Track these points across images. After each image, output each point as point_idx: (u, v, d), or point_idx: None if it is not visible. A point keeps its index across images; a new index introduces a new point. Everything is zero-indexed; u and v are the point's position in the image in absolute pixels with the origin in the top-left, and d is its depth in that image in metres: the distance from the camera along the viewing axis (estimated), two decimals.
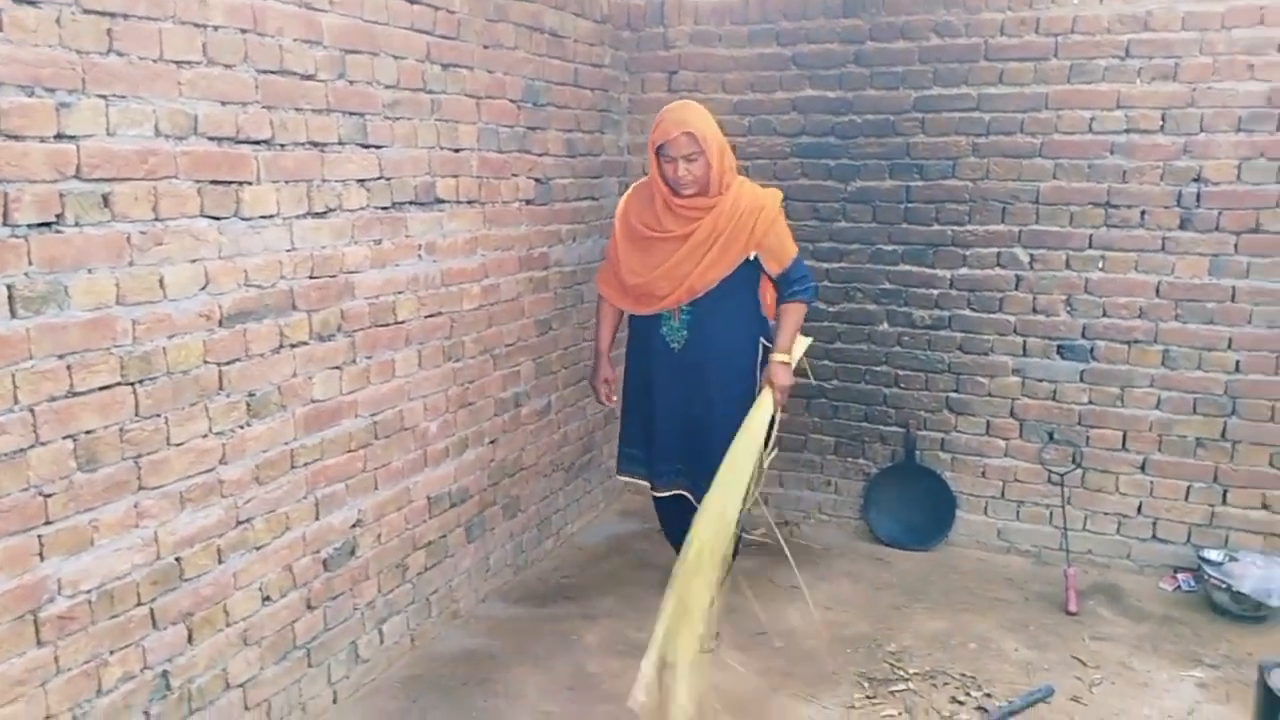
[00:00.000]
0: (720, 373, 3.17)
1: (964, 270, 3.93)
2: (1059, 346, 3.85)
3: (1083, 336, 3.81)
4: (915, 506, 4.10)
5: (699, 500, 3.17)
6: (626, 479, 3.45)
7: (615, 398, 3.43)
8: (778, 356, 3.13)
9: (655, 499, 3.40)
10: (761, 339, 3.22)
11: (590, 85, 4.02)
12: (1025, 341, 3.89)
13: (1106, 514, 3.87)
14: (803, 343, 3.26)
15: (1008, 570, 3.88)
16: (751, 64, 4.12)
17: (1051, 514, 3.92)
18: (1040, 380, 3.89)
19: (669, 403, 3.22)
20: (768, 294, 3.24)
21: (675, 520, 3.35)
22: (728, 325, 3.16)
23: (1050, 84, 3.70)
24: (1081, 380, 3.84)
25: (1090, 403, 3.84)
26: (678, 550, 3.28)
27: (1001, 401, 3.96)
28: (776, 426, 3.09)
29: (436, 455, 3.25)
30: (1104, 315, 3.77)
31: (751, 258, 3.10)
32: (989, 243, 3.88)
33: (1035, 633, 3.38)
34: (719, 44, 4.17)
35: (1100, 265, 3.75)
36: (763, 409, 3.05)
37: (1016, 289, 3.87)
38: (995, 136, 3.81)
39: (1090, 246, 3.75)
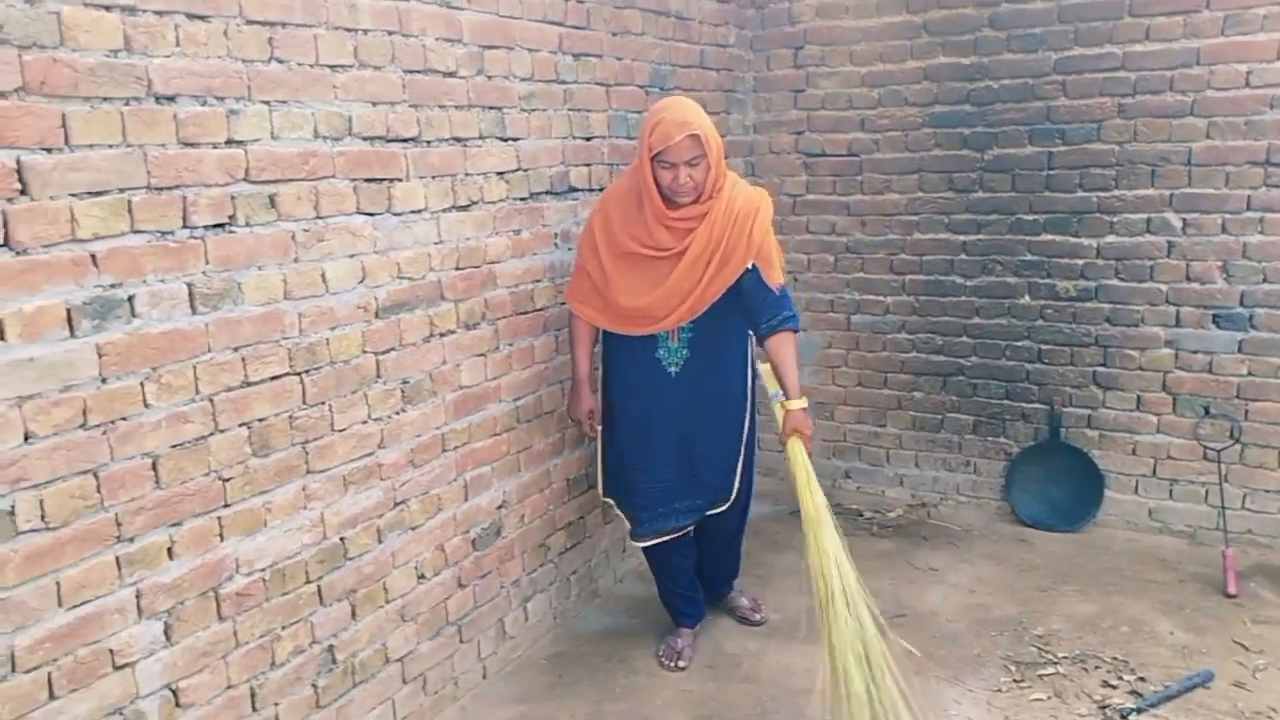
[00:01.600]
0: (718, 399, 2.93)
1: (1111, 238, 3.77)
2: (1215, 316, 3.66)
3: (1241, 304, 3.61)
4: (1060, 486, 3.97)
5: (705, 525, 3.07)
6: (643, 543, 3.04)
7: (599, 428, 3.05)
8: (796, 404, 2.79)
9: (652, 548, 3.05)
10: (753, 361, 3.00)
11: (716, 66, 4.01)
12: (1178, 311, 3.71)
13: (1268, 491, 3.67)
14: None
15: (1160, 551, 3.73)
16: (880, 34, 4.03)
17: (1207, 492, 3.75)
18: (1195, 352, 3.71)
19: (667, 436, 2.92)
20: None
21: (680, 559, 3.12)
22: (726, 343, 2.90)
23: (1202, 38, 3.51)
24: (1240, 351, 3.64)
25: (1249, 374, 3.64)
26: (689, 595, 3.17)
27: (1153, 375, 3.79)
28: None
29: (574, 439, 3.32)
30: (1264, 281, 3.56)
31: (750, 267, 2.77)
32: (1138, 208, 3.71)
33: (1192, 615, 3.24)
34: (846, 15, 4.09)
35: (1260, 228, 3.54)
36: (800, 464, 2.71)
37: (1168, 256, 3.69)
38: (1143, 96, 3.63)
39: (1249, 208, 3.54)
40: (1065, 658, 3.03)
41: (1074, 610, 3.32)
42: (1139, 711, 2.73)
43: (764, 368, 2.97)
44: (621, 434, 3.00)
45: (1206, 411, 3.71)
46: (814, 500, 2.62)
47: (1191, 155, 3.60)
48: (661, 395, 2.90)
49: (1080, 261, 3.84)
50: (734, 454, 3.04)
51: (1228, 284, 3.62)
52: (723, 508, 3.06)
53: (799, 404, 2.80)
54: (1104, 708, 2.77)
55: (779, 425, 2.84)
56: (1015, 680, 2.93)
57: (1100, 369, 3.88)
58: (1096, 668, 2.97)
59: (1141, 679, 2.89)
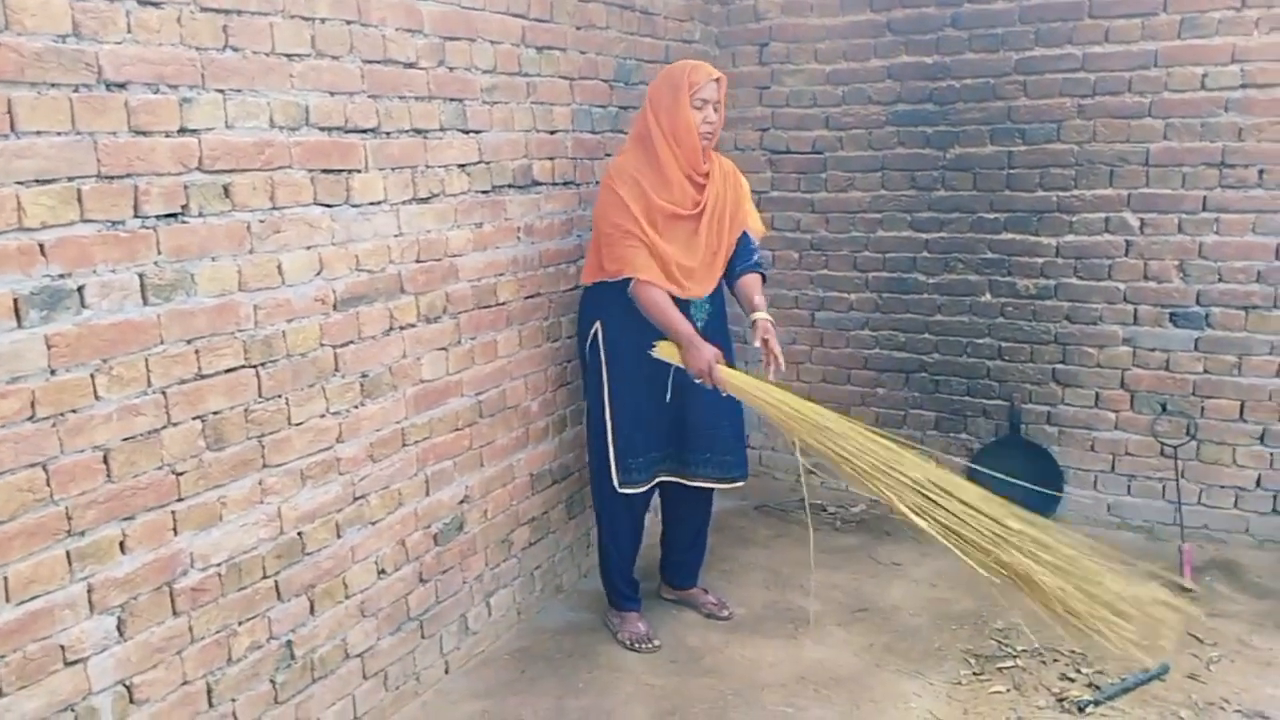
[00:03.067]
0: (725, 349, 3.02)
1: (1070, 237, 3.81)
2: (1172, 314, 3.71)
3: (1197, 303, 3.67)
4: (1020, 482, 4.00)
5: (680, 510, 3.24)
6: (639, 490, 3.10)
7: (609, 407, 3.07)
8: (763, 314, 2.94)
9: (626, 497, 3.10)
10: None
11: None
12: (1136, 310, 3.76)
13: (1223, 487, 3.74)
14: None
15: (1118, 546, 3.77)
16: (845, 32, 4.06)
17: (1165, 488, 3.80)
18: (1152, 350, 3.76)
19: (696, 395, 2.99)
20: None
21: (640, 532, 3.26)
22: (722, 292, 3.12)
23: (1159, 40, 3.56)
24: (1196, 349, 3.70)
25: (1205, 372, 3.70)
26: (633, 579, 3.27)
27: (1111, 372, 3.84)
28: None
29: (538, 433, 3.31)
30: (1220, 280, 3.62)
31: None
32: (1096, 207, 3.76)
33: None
34: (811, 13, 4.11)
35: (1215, 228, 3.60)
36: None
37: (1126, 255, 3.74)
38: (1102, 97, 3.67)
39: (1204, 209, 3.60)
40: (1025, 651, 3.05)
41: (1034, 604, 3.34)
42: (1096, 704, 2.76)
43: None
44: (634, 401, 3.01)
45: (1163, 408, 3.76)
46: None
47: (1149, 156, 3.65)
48: None
49: (1040, 260, 3.88)
50: (739, 406, 3.11)
51: (1184, 283, 3.67)
52: (735, 485, 3.20)
53: (766, 314, 2.96)
54: (1062, 700, 2.80)
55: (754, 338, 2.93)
56: (975, 673, 2.96)
57: (1060, 366, 3.92)
58: (1055, 661, 3.00)
59: (1099, 672, 2.93)
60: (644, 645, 3.14)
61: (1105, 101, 3.67)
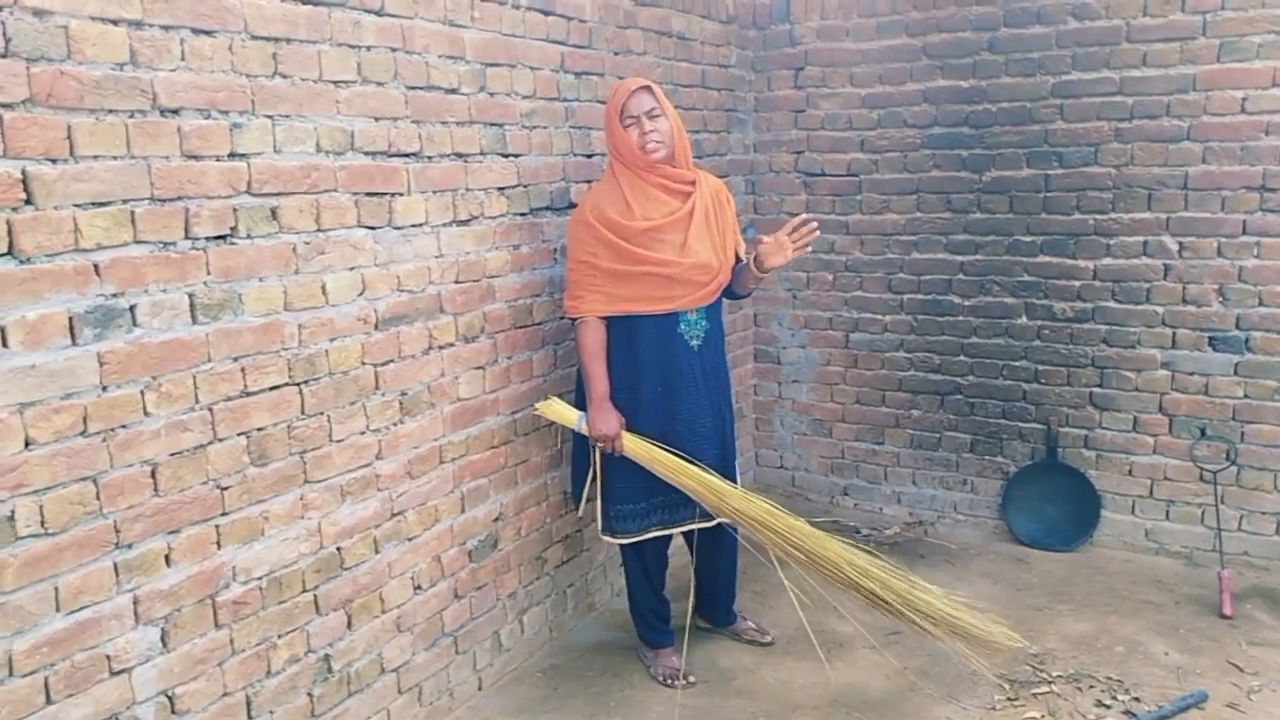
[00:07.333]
0: (725, 367, 3.00)
1: (1108, 260, 3.79)
2: (1211, 338, 3.68)
3: (1237, 327, 3.63)
4: (1057, 506, 3.98)
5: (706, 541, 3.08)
6: (631, 540, 2.99)
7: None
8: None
9: (635, 544, 3.03)
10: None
11: (717, 86, 4.05)
12: (1175, 333, 3.73)
13: (1264, 513, 3.68)
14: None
15: (1156, 572, 3.73)
16: (881, 56, 4.08)
17: (1204, 513, 3.75)
18: (1191, 374, 3.73)
19: (695, 417, 2.90)
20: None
21: (664, 568, 3.19)
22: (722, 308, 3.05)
23: (1198, 64, 3.54)
24: (1236, 373, 3.66)
25: (1245, 396, 3.65)
26: (666, 612, 3.19)
27: (1149, 396, 3.80)
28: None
29: (571, 452, 3.33)
30: (1260, 304, 3.58)
31: None
32: (1134, 231, 3.73)
33: (1186, 636, 3.25)
34: (846, 38, 4.14)
35: (1256, 252, 3.56)
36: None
37: (1165, 279, 3.71)
38: (1140, 121, 3.66)
39: (1244, 232, 3.57)
40: (1060, 677, 3.03)
41: (1069, 630, 3.32)
42: None
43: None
44: (644, 430, 2.88)
45: (1203, 433, 3.72)
46: None
47: (1188, 179, 3.63)
48: (688, 373, 2.88)
49: (1077, 283, 3.86)
50: (733, 432, 3.09)
51: (1224, 307, 3.64)
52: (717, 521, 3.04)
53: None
54: None
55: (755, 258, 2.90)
56: (1009, 698, 2.93)
57: (1097, 389, 3.89)
58: (1091, 687, 2.97)
59: (1136, 699, 2.89)
60: (679, 682, 3.06)
61: (1143, 125, 3.66)
